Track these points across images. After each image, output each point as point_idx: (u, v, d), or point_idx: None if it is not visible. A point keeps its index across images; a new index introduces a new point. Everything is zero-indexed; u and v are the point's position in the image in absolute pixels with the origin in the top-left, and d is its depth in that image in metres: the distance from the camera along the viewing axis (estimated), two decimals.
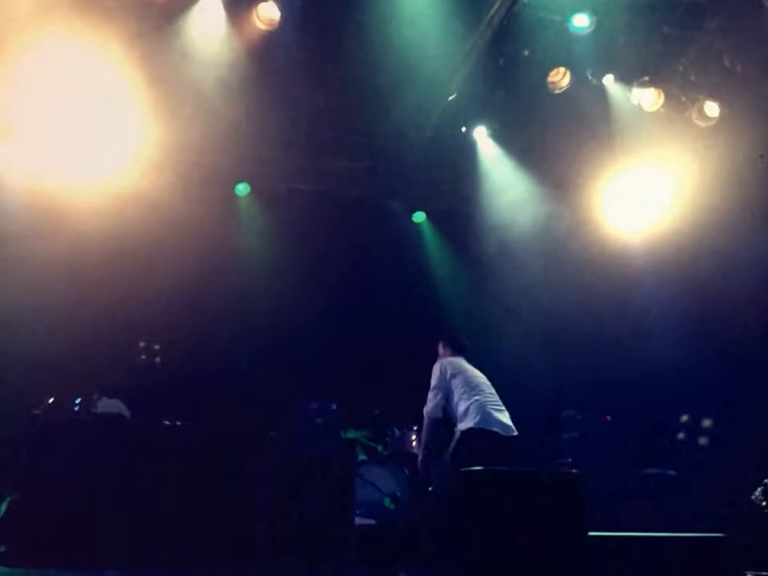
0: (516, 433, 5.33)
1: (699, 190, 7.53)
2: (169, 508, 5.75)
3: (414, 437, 7.30)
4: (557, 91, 7.28)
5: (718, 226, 7.33)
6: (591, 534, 3.20)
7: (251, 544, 5.70)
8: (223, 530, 5.76)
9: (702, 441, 7.30)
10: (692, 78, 7.20)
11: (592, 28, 6.57)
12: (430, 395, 5.43)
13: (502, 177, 8.51)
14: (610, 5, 6.49)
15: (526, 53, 6.93)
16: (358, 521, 6.13)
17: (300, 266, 8.15)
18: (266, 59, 6.89)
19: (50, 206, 7.09)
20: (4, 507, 5.69)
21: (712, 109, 7.27)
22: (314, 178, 8.71)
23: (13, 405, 6.18)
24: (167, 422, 6.42)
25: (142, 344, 7.01)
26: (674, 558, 3.24)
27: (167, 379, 7.19)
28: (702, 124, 7.35)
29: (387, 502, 6.78)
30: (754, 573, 3.89)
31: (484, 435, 5.17)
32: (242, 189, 8.67)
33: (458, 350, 5.75)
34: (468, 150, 8.46)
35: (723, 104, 7.25)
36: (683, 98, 7.33)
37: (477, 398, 5.33)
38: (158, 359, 7.05)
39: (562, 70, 7.21)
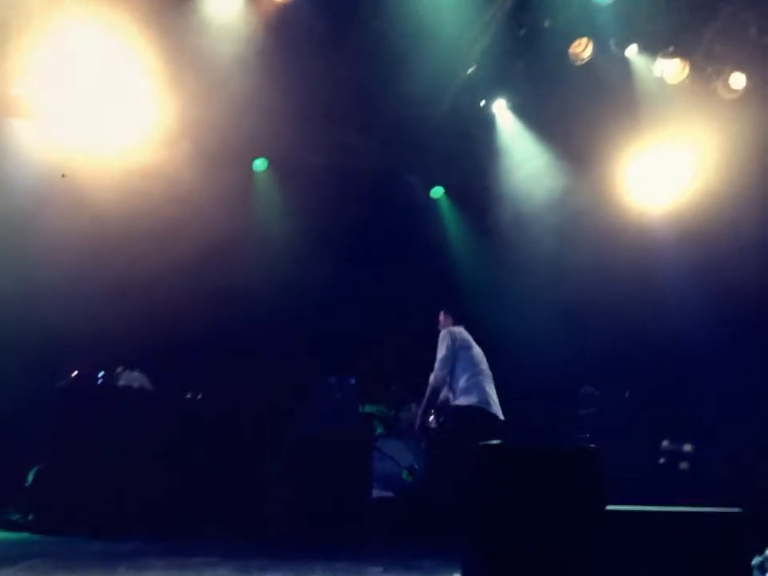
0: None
1: (721, 164, 7.42)
2: (187, 480, 5.86)
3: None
4: (578, 63, 7.15)
5: (738, 200, 7.24)
6: (609, 507, 3.23)
7: (268, 517, 5.79)
8: (240, 503, 5.85)
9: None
10: (717, 50, 7.05)
11: None
12: (438, 365, 5.45)
13: (520, 151, 8.42)
14: None
15: (547, 23, 6.80)
16: (376, 493, 6.21)
17: (317, 240, 8.15)
18: (282, 33, 6.82)
19: (68, 180, 7.14)
20: (31, 477, 5.83)
21: (738, 80, 7.12)
22: (331, 152, 8.66)
23: (37, 379, 6.29)
24: (189, 395, 6.52)
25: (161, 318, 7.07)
26: (692, 532, 3.24)
27: (188, 354, 7.27)
28: (727, 96, 7.20)
29: (405, 474, 6.86)
30: None
31: (486, 416, 5.30)
32: (260, 164, 8.66)
33: (458, 320, 5.78)
34: (487, 123, 8.36)
35: (748, 76, 7.09)
36: (708, 69, 7.18)
37: (480, 376, 5.44)
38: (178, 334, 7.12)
39: (584, 40, 7.08)
